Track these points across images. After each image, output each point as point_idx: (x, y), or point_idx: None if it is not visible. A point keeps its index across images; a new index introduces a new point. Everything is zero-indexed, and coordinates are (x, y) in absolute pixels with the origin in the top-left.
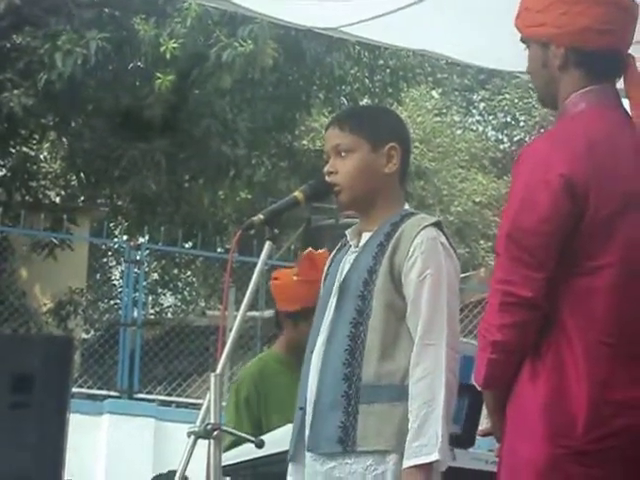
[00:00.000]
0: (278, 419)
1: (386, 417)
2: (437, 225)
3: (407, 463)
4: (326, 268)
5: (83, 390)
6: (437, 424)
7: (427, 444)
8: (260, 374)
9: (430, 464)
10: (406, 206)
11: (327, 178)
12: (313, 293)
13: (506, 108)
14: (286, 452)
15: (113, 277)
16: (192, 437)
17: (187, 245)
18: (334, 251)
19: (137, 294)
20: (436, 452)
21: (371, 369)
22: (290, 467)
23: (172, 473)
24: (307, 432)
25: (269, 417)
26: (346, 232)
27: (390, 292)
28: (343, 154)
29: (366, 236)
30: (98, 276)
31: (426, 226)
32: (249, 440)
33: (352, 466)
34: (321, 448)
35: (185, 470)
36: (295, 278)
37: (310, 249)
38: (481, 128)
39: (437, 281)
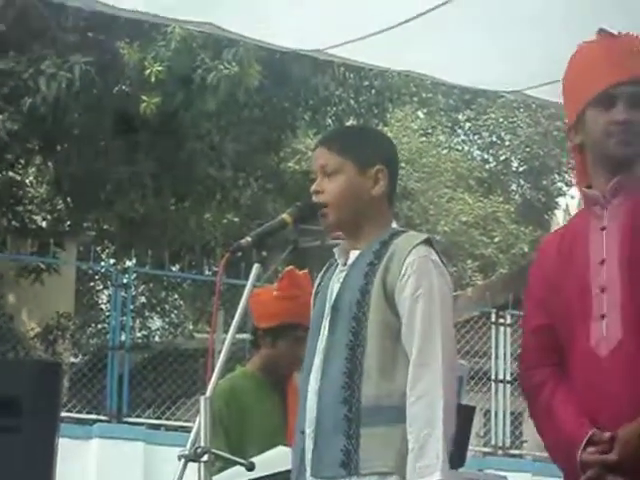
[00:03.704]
0: (249, 437)
1: (387, 439)
2: (428, 242)
3: None
4: (315, 288)
5: (72, 414)
6: (438, 444)
7: (429, 464)
8: (231, 391)
9: None
10: (394, 225)
11: (314, 197)
12: (292, 309)
13: (491, 127)
14: (276, 474)
15: (100, 301)
16: (182, 460)
17: (174, 268)
18: (322, 270)
19: (125, 318)
20: (438, 472)
21: (370, 391)
22: None
23: None
24: (308, 457)
25: (239, 434)
26: (334, 250)
27: (384, 312)
28: (330, 175)
29: (354, 254)
30: (85, 300)
31: (417, 244)
32: (239, 463)
33: None
34: (324, 472)
35: None
36: (275, 294)
37: (292, 267)
38: (467, 148)
39: (430, 299)
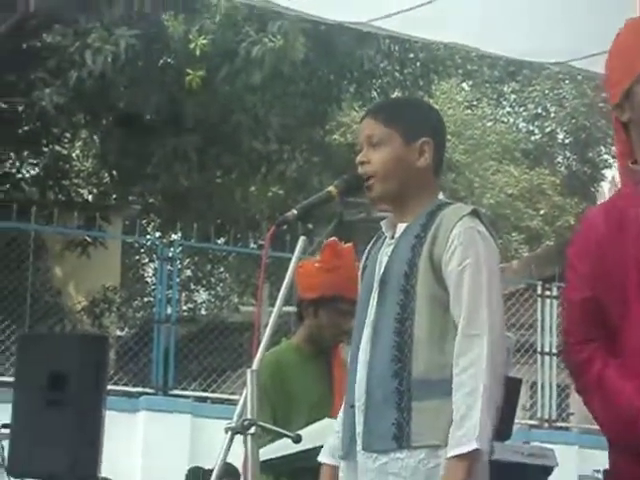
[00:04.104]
0: (295, 410)
1: (439, 412)
2: (475, 214)
3: (450, 453)
4: (363, 261)
5: (118, 387)
6: (477, 413)
7: (467, 434)
8: (277, 364)
9: (470, 454)
10: (440, 196)
11: (359, 168)
12: (333, 281)
13: (537, 99)
14: (322, 447)
15: (146, 274)
16: (229, 433)
17: (220, 241)
18: (370, 244)
19: (170, 291)
20: (474, 441)
21: (421, 364)
22: (342, 464)
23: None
24: (359, 430)
25: (286, 407)
26: (381, 223)
27: (432, 284)
28: (375, 145)
29: (401, 227)
30: (131, 273)
31: (464, 216)
32: (286, 435)
33: (404, 461)
34: (376, 445)
35: (223, 466)
36: (316, 265)
37: (334, 239)
38: (512, 120)
39: (477, 270)
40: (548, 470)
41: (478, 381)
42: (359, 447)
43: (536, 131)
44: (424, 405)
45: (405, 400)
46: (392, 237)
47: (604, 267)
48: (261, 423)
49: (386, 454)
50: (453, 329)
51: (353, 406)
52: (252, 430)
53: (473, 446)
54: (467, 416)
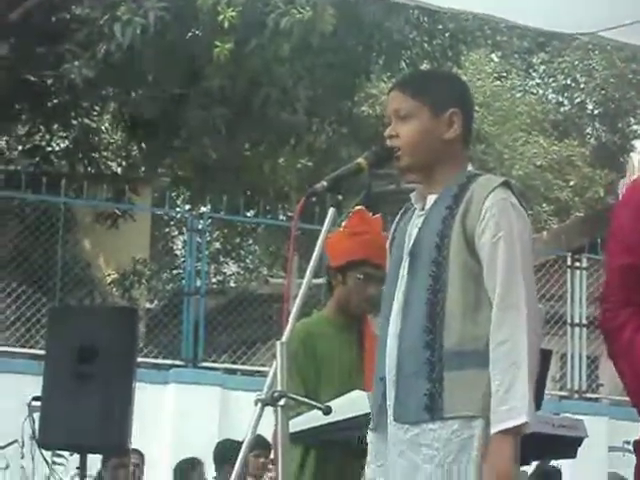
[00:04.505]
0: (325, 381)
1: (473, 383)
2: (506, 185)
3: (497, 427)
4: (391, 234)
5: (148, 360)
6: (523, 386)
7: (515, 407)
8: (307, 334)
9: (519, 427)
10: (470, 167)
11: (387, 141)
12: (360, 244)
13: (566, 70)
14: (352, 418)
15: (175, 247)
16: (259, 404)
17: (249, 213)
18: (398, 216)
19: (200, 263)
20: (524, 415)
21: (453, 335)
22: (371, 436)
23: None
24: (389, 402)
25: (315, 378)
26: (410, 195)
27: (465, 256)
28: (404, 118)
29: (432, 198)
30: (161, 246)
31: (496, 187)
32: (316, 407)
33: (437, 432)
34: (407, 417)
35: (253, 438)
36: (342, 230)
37: (362, 207)
38: (541, 91)
39: (510, 242)
40: (578, 441)
41: (519, 354)
42: (390, 418)
43: (565, 102)
44: (457, 376)
45: (437, 371)
46: (422, 209)
47: None
48: (291, 395)
49: (418, 425)
50: (486, 300)
51: (383, 378)
52: (282, 402)
53: (523, 419)
54: (512, 389)
